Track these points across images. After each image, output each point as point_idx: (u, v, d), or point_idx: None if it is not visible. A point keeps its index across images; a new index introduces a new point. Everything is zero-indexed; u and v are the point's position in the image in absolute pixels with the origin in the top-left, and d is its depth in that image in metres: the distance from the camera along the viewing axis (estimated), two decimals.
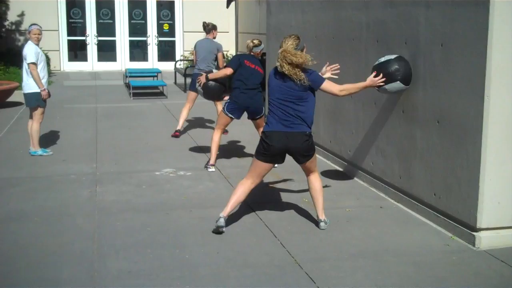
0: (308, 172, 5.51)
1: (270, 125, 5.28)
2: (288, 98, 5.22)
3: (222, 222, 5.24)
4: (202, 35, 9.88)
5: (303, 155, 5.33)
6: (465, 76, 5.11)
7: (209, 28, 9.76)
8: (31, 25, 8.28)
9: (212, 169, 7.52)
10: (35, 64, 7.98)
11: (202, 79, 7.60)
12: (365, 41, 6.89)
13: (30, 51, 7.98)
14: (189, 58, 19.08)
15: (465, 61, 5.10)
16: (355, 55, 7.14)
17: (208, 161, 7.63)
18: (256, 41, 7.55)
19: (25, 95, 8.20)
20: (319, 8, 8.21)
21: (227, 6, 15.53)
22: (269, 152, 5.26)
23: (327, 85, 5.33)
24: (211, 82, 7.58)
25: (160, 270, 4.55)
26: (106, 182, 6.97)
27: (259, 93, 7.55)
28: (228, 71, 7.45)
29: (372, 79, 5.58)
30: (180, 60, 19.23)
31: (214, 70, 8.03)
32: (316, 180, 5.52)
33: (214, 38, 9.79)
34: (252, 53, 7.51)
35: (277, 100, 5.27)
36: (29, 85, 8.10)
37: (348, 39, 7.33)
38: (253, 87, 7.39)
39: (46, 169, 7.51)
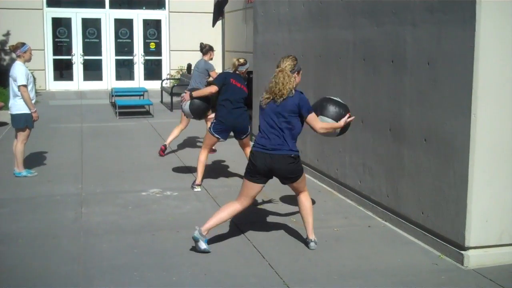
0: (297, 192, 5.48)
1: (257, 146, 5.26)
2: (274, 123, 5.20)
3: (196, 233, 5.20)
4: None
5: (287, 177, 5.31)
6: (452, 94, 5.13)
7: (206, 49, 9.74)
8: (24, 44, 8.07)
9: (198, 189, 7.47)
10: (26, 86, 7.89)
11: (186, 97, 7.54)
12: (352, 60, 6.91)
13: (20, 73, 7.86)
14: (176, 77, 19.07)
15: (452, 80, 5.12)
16: (342, 73, 7.15)
17: (194, 181, 7.58)
18: (241, 60, 7.55)
19: (14, 116, 8.07)
20: (306, 27, 8.23)
21: (213, 25, 15.56)
22: (254, 171, 5.23)
23: (312, 117, 5.30)
24: (195, 100, 7.51)
25: None
26: (91, 203, 6.89)
27: (245, 112, 7.53)
28: (213, 89, 7.41)
29: (345, 120, 5.51)
30: (167, 79, 19.22)
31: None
32: (306, 200, 5.48)
33: (211, 59, 9.76)
34: (237, 72, 7.50)
35: (262, 124, 5.26)
36: (18, 106, 7.98)
37: (335, 57, 7.35)
38: (240, 106, 7.37)
39: (30, 190, 7.42)
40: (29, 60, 8.12)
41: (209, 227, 5.26)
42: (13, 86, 7.98)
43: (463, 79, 4.97)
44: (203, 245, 5.22)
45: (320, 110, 5.46)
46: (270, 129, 5.20)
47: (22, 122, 8.05)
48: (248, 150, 7.60)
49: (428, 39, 5.44)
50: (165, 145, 9.61)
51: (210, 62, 9.77)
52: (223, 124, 7.31)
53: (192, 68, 9.71)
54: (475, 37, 4.82)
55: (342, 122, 5.43)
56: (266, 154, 5.18)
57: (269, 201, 6.92)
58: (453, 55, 5.09)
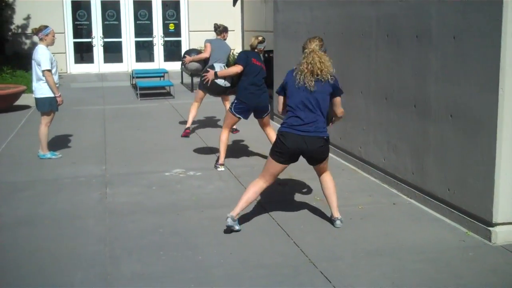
0: (320, 172, 5.45)
1: (287, 126, 5.20)
2: (309, 102, 5.15)
3: (230, 221, 5.19)
4: (208, 34, 9.71)
5: (318, 158, 5.29)
6: (478, 69, 5.04)
7: (220, 30, 9.55)
8: (47, 27, 8.06)
9: (221, 168, 7.46)
10: (50, 70, 7.91)
11: (210, 75, 7.49)
12: (375, 36, 6.82)
13: (45, 57, 7.87)
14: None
15: (478, 54, 5.03)
16: (365, 50, 7.07)
17: (217, 161, 7.58)
18: (260, 38, 7.48)
19: (38, 99, 8.10)
20: (327, 4, 8.14)
21: (234, 4, 15.48)
22: (283, 152, 5.19)
23: (339, 100, 5.34)
24: (220, 80, 7.49)
25: (174, 272, 4.51)
26: (116, 183, 6.92)
27: (266, 92, 7.49)
28: (238, 68, 7.34)
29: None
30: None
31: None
32: (328, 179, 5.46)
33: (225, 39, 9.62)
34: (256, 50, 7.43)
35: (296, 102, 5.19)
36: (42, 90, 8.00)
37: (357, 34, 7.26)
38: (261, 86, 7.34)
39: (55, 172, 7.47)
40: (51, 43, 8.13)
41: (239, 211, 5.26)
42: (36, 70, 7.98)
43: (490, 53, 4.88)
44: (236, 227, 5.24)
45: None
46: (304, 110, 5.15)
47: (47, 106, 8.09)
48: (269, 129, 7.57)
49: (453, 13, 5.33)
50: (188, 128, 9.60)
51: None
52: (245, 104, 7.28)
53: (212, 47, 9.51)
54: (503, 10, 4.71)
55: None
56: (298, 136, 5.13)
57: (293, 180, 6.90)
58: (480, 28, 4.99)
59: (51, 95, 8.02)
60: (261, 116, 7.47)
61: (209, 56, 9.23)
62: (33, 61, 8.05)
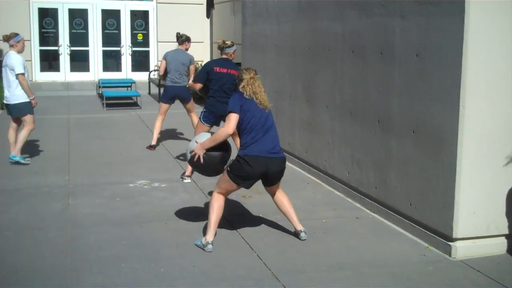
0: (273, 193, 5.51)
1: (255, 150, 5.13)
2: (267, 123, 5.21)
3: (210, 248, 5.13)
4: (177, 45, 9.73)
5: (278, 178, 5.36)
6: (440, 86, 5.13)
7: (182, 39, 9.48)
8: (17, 35, 8.30)
9: (188, 180, 7.44)
10: (24, 74, 8.01)
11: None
12: (340, 52, 6.90)
13: (17, 62, 8.01)
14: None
15: (440, 71, 5.13)
16: (331, 65, 7.14)
17: (184, 172, 7.55)
18: (228, 42, 7.30)
19: (14, 105, 8.19)
20: (294, 19, 8.21)
21: (208, 16, 15.49)
22: (250, 176, 5.16)
23: None
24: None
25: (135, 285, 4.47)
26: (79, 194, 6.85)
27: None
28: (197, 86, 7.30)
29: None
30: (154, 70, 19.11)
31: (186, 83, 7.99)
32: (282, 196, 5.51)
33: (187, 50, 9.55)
34: (224, 55, 7.34)
35: (258, 125, 5.18)
36: (17, 96, 8.12)
37: (323, 49, 7.33)
38: (229, 93, 7.11)
39: (17, 182, 7.36)
40: (22, 50, 8.30)
41: (214, 233, 5.20)
42: (8, 76, 8.06)
43: (451, 71, 4.98)
44: (210, 248, 5.16)
45: None
46: (267, 131, 5.20)
47: (25, 110, 8.21)
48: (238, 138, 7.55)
49: (416, 31, 5.43)
50: (153, 146, 9.47)
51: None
52: (212, 112, 7.26)
53: (166, 59, 9.48)
54: (464, 29, 4.83)
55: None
56: (267, 158, 5.14)
57: (257, 193, 6.90)
58: (442, 47, 5.09)
59: (26, 99, 8.13)
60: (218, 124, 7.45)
61: (163, 73, 9.44)
62: (4, 68, 8.10)
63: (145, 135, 10.64)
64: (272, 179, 5.34)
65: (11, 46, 8.15)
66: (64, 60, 19.80)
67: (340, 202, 6.74)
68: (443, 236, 5.21)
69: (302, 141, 8.05)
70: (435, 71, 5.19)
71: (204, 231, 5.35)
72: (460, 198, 5.03)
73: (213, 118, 7.32)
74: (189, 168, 7.46)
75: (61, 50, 19.68)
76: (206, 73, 7.24)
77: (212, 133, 5.43)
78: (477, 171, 5.03)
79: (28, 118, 8.27)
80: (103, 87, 15.58)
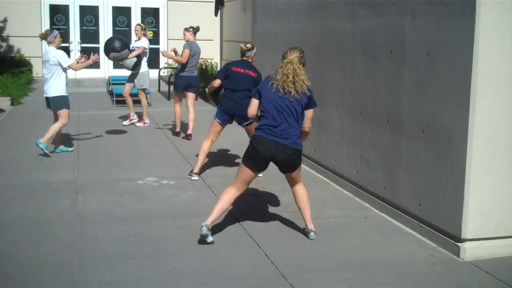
0: (292, 183, 5.46)
1: (261, 131, 5.21)
2: (283, 109, 5.18)
3: (204, 230, 5.16)
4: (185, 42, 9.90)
5: (288, 166, 5.30)
6: (450, 85, 5.11)
7: (195, 31, 10.33)
8: (53, 31, 8.69)
9: (195, 177, 7.44)
10: (70, 63, 8.58)
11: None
12: (350, 51, 6.88)
13: (62, 55, 8.49)
14: (173, 66, 18.99)
15: (450, 71, 5.10)
16: (341, 64, 7.12)
17: (192, 170, 7.56)
18: (249, 45, 7.46)
19: (51, 98, 8.56)
20: (305, 17, 8.19)
21: (216, 14, 15.50)
22: (255, 157, 5.20)
23: (311, 113, 5.39)
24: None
25: (143, 281, 4.48)
26: (87, 191, 6.87)
27: (248, 98, 7.44)
28: (216, 82, 7.39)
29: None
30: (164, 68, 19.14)
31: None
32: (301, 191, 5.47)
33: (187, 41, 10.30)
34: (245, 58, 7.40)
35: (270, 108, 5.21)
36: (54, 89, 8.50)
37: (333, 48, 7.32)
38: (240, 92, 7.24)
39: (26, 178, 7.39)
40: (59, 44, 8.68)
41: (213, 220, 5.24)
42: (50, 70, 8.46)
43: (462, 70, 4.95)
44: (210, 238, 5.20)
45: None
46: (277, 116, 5.18)
47: (59, 104, 8.57)
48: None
49: (427, 30, 5.41)
50: (178, 132, 10.27)
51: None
52: (222, 109, 7.30)
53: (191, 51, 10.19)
54: (475, 28, 4.80)
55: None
56: (271, 141, 5.15)
57: (266, 191, 6.91)
58: (452, 46, 5.07)
59: (62, 93, 8.55)
60: (242, 123, 7.46)
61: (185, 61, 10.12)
62: (45, 63, 8.52)
63: (155, 132, 10.67)
64: (281, 165, 5.32)
65: (50, 42, 8.53)
66: (75, 57, 19.83)
67: (348, 201, 6.73)
68: (451, 236, 5.18)
69: (311, 140, 8.03)
70: (446, 71, 5.16)
71: (212, 230, 5.36)
72: (469, 199, 5.00)
73: (225, 115, 7.33)
74: (199, 166, 7.47)
75: (72, 47, 19.75)
76: (225, 71, 7.38)
77: None
78: (486, 171, 5.00)
79: (63, 112, 8.59)
80: (113, 84, 15.59)
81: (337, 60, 7.22)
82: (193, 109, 10.13)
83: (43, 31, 8.77)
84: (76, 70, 8.90)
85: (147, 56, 11.24)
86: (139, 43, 11.02)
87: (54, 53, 8.42)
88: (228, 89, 7.31)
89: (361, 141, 6.69)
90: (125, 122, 11.29)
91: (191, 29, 10.17)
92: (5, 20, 18.56)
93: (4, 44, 18.76)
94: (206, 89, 7.59)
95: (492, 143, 4.98)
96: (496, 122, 4.96)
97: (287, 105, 5.18)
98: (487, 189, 5.03)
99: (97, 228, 5.62)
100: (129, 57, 10.15)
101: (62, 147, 8.83)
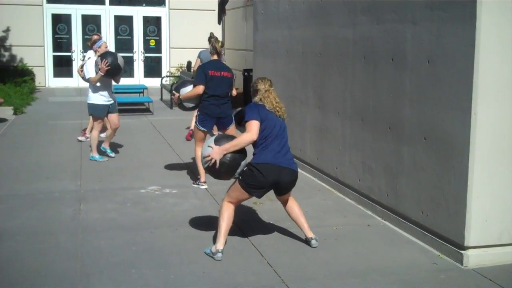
0: (285, 200, 5.49)
1: (265, 158, 5.12)
2: (282, 134, 5.23)
3: (220, 256, 5.08)
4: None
5: (290, 188, 5.34)
6: (452, 92, 5.10)
7: (213, 40, 10.13)
8: (99, 40, 9.09)
9: (205, 186, 7.42)
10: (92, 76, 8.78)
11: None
12: (352, 58, 6.88)
13: (89, 65, 8.84)
14: (176, 75, 19.02)
15: (452, 77, 5.10)
16: (342, 71, 7.13)
17: (199, 179, 7.53)
18: (220, 40, 7.47)
19: (87, 105, 9.06)
20: (306, 25, 8.21)
21: (219, 22, 15.55)
22: (261, 185, 5.14)
23: None
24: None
25: None
26: (90, 200, 6.87)
27: (229, 102, 7.46)
28: (200, 89, 7.22)
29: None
30: (167, 76, 19.19)
31: None
32: (293, 204, 5.49)
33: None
34: (216, 56, 7.40)
35: (273, 134, 5.18)
36: (88, 96, 8.95)
37: (335, 55, 7.32)
38: (222, 96, 7.30)
39: (29, 187, 7.40)
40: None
41: (224, 241, 5.17)
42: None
43: (463, 77, 4.95)
44: (220, 256, 5.11)
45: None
46: (281, 140, 5.20)
47: (90, 111, 9.04)
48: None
49: (428, 37, 5.41)
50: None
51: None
52: (208, 116, 7.29)
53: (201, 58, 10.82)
54: (476, 35, 4.80)
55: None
56: (279, 167, 5.12)
57: (268, 200, 6.89)
58: (454, 53, 5.07)
59: (93, 101, 8.86)
60: (225, 127, 7.45)
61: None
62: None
63: (157, 141, 10.67)
64: (284, 189, 5.32)
65: (95, 51, 8.91)
66: (77, 66, 19.91)
67: (351, 209, 6.71)
68: (454, 244, 5.17)
69: (313, 148, 8.03)
70: (447, 78, 5.16)
71: (215, 239, 5.33)
72: (472, 206, 4.99)
73: (210, 121, 7.34)
74: (203, 173, 7.41)
75: (74, 56, 19.82)
76: (205, 76, 7.24)
77: (222, 136, 5.44)
78: (489, 178, 4.99)
79: (95, 120, 8.97)
80: (115, 93, 15.52)
81: (338, 67, 7.23)
82: None
83: (91, 40, 9.23)
84: (95, 83, 8.79)
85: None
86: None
87: (88, 62, 8.84)
88: (210, 95, 7.24)
89: (363, 148, 6.68)
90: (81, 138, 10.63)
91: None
92: (7, 30, 18.64)
93: (6, 54, 18.83)
94: (178, 96, 7.38)
95: (494, 149, 4.97)
96: (498, 129, 4.95)
97: (282, 128, 5.24)
98: (489, 196, 5.02)
99: (99, 237, 5.62)
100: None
101: (97, 156, 8.95)
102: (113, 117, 9.02)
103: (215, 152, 5.12)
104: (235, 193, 5.24)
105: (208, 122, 7.32)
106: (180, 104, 7.46)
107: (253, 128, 5.10)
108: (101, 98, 8.85)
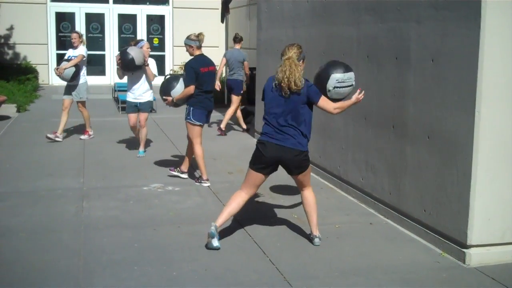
0: (301, 186, 5.45)
1: (266, 136, 5.23)
2: (285, 109, 5.17)
3: (213, 229, 5.14)
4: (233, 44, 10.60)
5: (295, 168, 5.29)
6: (455, 91, 5.10)
7: (238, 39, 11.70)
8: (141, 40, 9.27)
9: (207, 183, 7.44)
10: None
11: (170, 102, 7.52)
12: (355, 57, 6.87)
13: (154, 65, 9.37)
14: (179, 73, 19.02)
15: (456, 76, 5.09)
16: None
17: (201, 177, 7.54)
18: (202, 33, 7.62)
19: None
20: (309, 24, 8.20)
21: (222, 21, 15.55)
22: (262, 161, 5.21)
23: (323, 102, 5.28)
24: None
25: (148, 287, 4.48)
26: (93, 197, 6.88)
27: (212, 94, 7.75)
28: (192, 89, 7.29)
29: (356, 96, 5.50)
30: (170, 75, 19.18)
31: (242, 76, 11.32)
32: (310, 195, 5.46)
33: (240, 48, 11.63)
34: (198, 51, 7.51)
35: (273, 112, 5.22)
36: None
37: (339, 54, 7.31)
38: (212, 90, 7.56)
39: (32, 184, 7.41)
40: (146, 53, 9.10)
41: (223, 221, 5.26)
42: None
43: (467, 76, 4.94)
44: (216, 242, 5.18)
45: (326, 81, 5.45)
46: (278, 119, 5.18)
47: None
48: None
49: (432, 36, 5.40)
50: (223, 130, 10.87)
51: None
52: (204, 109, 7.38)
53: (227, 57, 11.57)
54: (480, 34, 4.79)
55: (353, 99, 5.45)
56: (274, 145, 5.16)
57: (271, 197, 6.90)
58: (458, 52, 5.06)
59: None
60: (208, 120, 7.65)
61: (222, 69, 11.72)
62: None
63: (160, 138, 10.68)
64: (289, 167, 5.32)
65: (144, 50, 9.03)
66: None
67: (353, 207, 6.71)
68: (457, 242, 5.16)
69: (316, 146, 8.02)
70: (451, 77, 5.16)
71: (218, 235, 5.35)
72: (475, 205, 4.98)
73: (205, 115, 7.45)
74: (204, 171, 7.45)
75: None
76: (196, 75, 7.30)
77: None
78: (492, 177, 4.99)
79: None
80: (119, 91, 15.63)
81: None
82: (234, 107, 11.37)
83: (133, 41, 9.34)
84: (120, 78, 9.36)
85: (86, 65, 10.68)
86: (78, 51, 10.38)
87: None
88: (203, 91, 7.34)
89: (366, 147, 6.68)
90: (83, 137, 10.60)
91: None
92: (11, 28, 18.65)
93: (10, 52, 18.85)
94: (172, 99, 7.48)
95: (497, 148, 4.96)
96: (502, 128, 4.94)
97: (288, 108, 5.17)
98: (492, 195, 5.01)
99: (102, 234, 5.62)
100: (66, 65, 9.96)
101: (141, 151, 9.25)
102: (139, 116, 9.23)
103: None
104: (247, 175, 5.35)
105: (203, 115, 7.43)
106: (174, 104, 7.58)
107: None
108: (129, 96, 9.18)
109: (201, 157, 7.47)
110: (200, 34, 7.54)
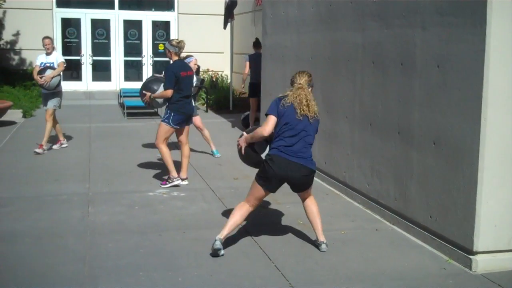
0: (303, 198, 5.48)
1: (276, 151, 5.19)
2: (300, 131, 5.21)
3: (218, 244, 5.15)
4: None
5: (301, 186, 5.35)
6: (461, 97, 5.09)
7: (259, 44, 11.81)
8: (188, 57, 9.16)
9: (184, 182, 7.70)
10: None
11: (148, 98, 7.66)
12: (361, 63, 6.87)
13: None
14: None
15: (461, 83, 5.08)
16: (351, 76, 7.12)
17: (169, 177, 7.67)
18: (183, 39, 7.70)
19: None
20: (314, 29, 8.21)
21: (224, 27, 15.57)
22: (269, 177, 5.18)
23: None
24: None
25: None
26: (98, 202, 6.88)
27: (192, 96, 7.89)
28: (169, 93, 7.40)
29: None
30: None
31: None
32: (312, 204, 5.48)
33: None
34: (177, 56, 7.58)
35: (288, 129, 5.20)
36: None
37: (344, 60, 7.32)
38: (190, 95, 7.71)
39: (37, 189, 7.42)
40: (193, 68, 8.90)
41: (227, 234, 5.24)
42: None
43: (473, 82, 4.93)
44: (222, 252, 5.19)
45: None
46: (296, 137, 5.19)
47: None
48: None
49: (438, 42, 5.40)
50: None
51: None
52: (183, 114, 7.53)
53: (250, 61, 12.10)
54: (486, 40, 4.78)
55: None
56: (286, 160, 5.14)
57: (276, 203, 6.89)
58: (463, 58, 5.05)
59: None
60: (188, 124, 7.79)
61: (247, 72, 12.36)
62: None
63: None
64: (295, 185, 5.34)
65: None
66: (86, 70, 20.00)
67: (359, 213, 6.70)
68: (463, 249, 5.14)
69: (322, 152, 8.02)
70: (456, 83, 5.15)
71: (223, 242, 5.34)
72: (481, 211, 4.96)
73: (183, 119, 7.59)
74: (174, 169, 7.60)
75: (83, 59, 19.88)
76: (176, 79, 7.41)
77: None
78: (498, 183, 4.97)
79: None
80: (124, 96, 15.68)
81: (347, 72, 7.22)
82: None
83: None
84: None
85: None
86: (52, 58, 9.69)
87: None
88: (181, 96, 7.44)
89: (372, 153, 6.67)
90: (55, 146, 10.12)
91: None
92: (17, 34, 18.72)
93: (16, 57, 18.91)
94: (150, 95, 7.58)
95: (504, 154, 4.94)
96: (508, 134, 4.93)
97: (305, 126, 5.21)
98: (499, 201, 5.00)
99: (107, 239, 5.62)
100: (53, 74, 9.40)
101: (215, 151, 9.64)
102: (194, 121, 9.17)
103: (241, 139, 5.53)
104: (252, 189, 5.32)
105: (182, 121, 7.58)
106: (150, 102, 7.69)
107: (269, 123, 5.26)
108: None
109: (169, 155, 7.63)
110: (181, 41, 7.63)
